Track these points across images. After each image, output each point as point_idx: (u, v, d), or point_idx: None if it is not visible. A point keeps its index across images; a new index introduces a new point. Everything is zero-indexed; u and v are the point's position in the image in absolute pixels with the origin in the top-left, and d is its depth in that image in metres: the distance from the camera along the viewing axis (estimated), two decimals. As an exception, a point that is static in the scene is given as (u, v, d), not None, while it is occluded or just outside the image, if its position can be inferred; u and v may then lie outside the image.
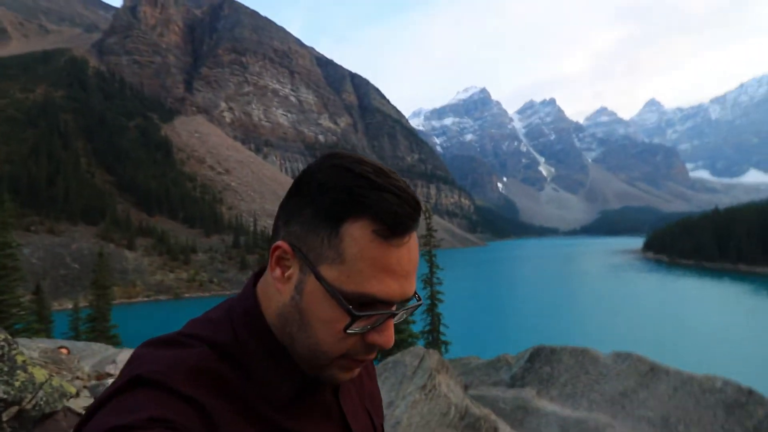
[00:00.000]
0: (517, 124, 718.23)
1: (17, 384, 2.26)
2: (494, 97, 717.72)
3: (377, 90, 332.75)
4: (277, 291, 0.53)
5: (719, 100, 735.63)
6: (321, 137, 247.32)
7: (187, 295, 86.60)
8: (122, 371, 0.49)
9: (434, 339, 20.33)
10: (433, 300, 20.79)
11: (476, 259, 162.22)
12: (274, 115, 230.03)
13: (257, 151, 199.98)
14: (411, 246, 0.52)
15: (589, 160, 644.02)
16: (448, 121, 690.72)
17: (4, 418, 2.12)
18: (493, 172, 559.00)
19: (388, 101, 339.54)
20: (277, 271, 0.52)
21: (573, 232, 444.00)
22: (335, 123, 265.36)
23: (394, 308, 0.51)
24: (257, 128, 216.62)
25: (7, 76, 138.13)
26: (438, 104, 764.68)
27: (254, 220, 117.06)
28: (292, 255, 0.51)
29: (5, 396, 2.14)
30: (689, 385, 4.67)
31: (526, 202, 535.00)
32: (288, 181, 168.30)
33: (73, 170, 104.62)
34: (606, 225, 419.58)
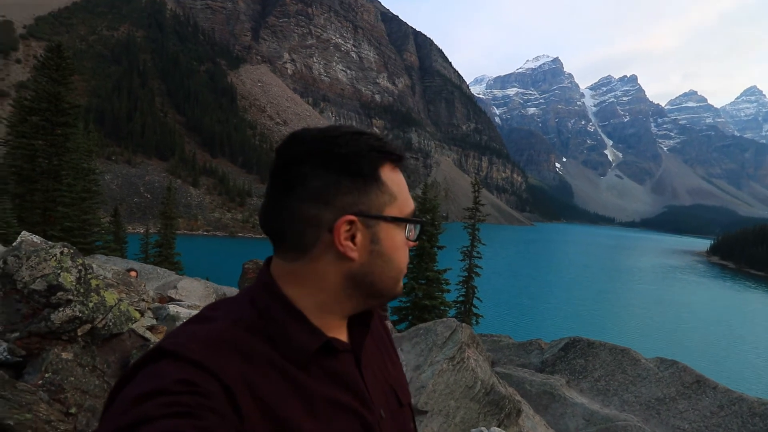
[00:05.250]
0: (588, 101, 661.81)
1: (90, 305, 2.61)
2: (567, 69, 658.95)
3: (440, 51, 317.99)
4: (344, 263, 0.60)
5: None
6: (377, 97, 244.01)
7: (240, 234, 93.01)
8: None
9: (466, 310, 20.45)
10: (470, 273, 20.71)
11: (521, 239, 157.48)
12: (333, 70, 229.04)
13: (314, 105, 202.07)
14: None
15: (665, 149, 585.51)
16: (511, 91, 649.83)
17: (79, 333, 2.49)
18: (553, 151, 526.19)
19: (450, 64, 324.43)
20: (348, 244, 0.59)
21: (631, 224, 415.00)
22: (393, 83, 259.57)
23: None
24: (316, 82, 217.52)
25: (96, 12, 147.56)
26: (504, 72, 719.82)
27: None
28: (357, 222, 0.60)
29: (80, 314, 2.50)
30: (737, 406, 4.39)
31: (583, 186, 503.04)
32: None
33: (149, 108, 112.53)
34: (671, 221, 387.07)
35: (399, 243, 0.63)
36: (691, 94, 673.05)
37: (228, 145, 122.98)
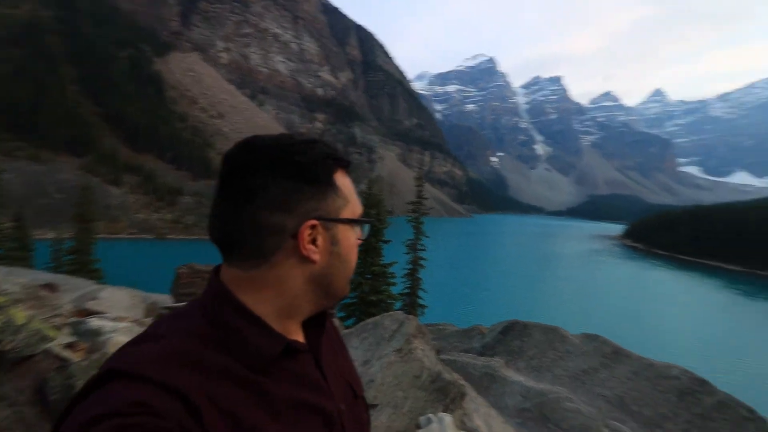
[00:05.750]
0: (521, 99, 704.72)
1: (-5, 326, 2.17)
2: (501, 68, 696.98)
3: (382, 47, 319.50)
4: (306, 266, 0.63)
5: (723, 98, 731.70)
6: (320, 90, 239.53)
7: (171, 236, 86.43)
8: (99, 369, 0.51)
9: (412, 302, 20.96)
10: (415, 265, 21.22)
11: (461, 231, 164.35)
12: (272, 61, 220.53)
13: (252, 97, 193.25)
14: None
15: (586, 144, 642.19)
16: (451, 88, 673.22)
17: (-17, 358, 2.05)
18: (489, 146, 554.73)
19: (392, 60, 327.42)
20: (312, 247, 0.63)
21: (558, 213, 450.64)
22: (336, 77, 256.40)
23: None
24: (254, 73, 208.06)
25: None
26: (444, 69, 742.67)
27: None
28: (319, 226, 0.64)
29: (-18, 338, 2.05)
30: (648, 371, 4.97)
31: (516, 179, 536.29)
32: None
33: (58, 97, 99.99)
34: (592, 209, 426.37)
35: (353, 243, 0.69)
36: (607, 95, 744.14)
37: (155, 139, 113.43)
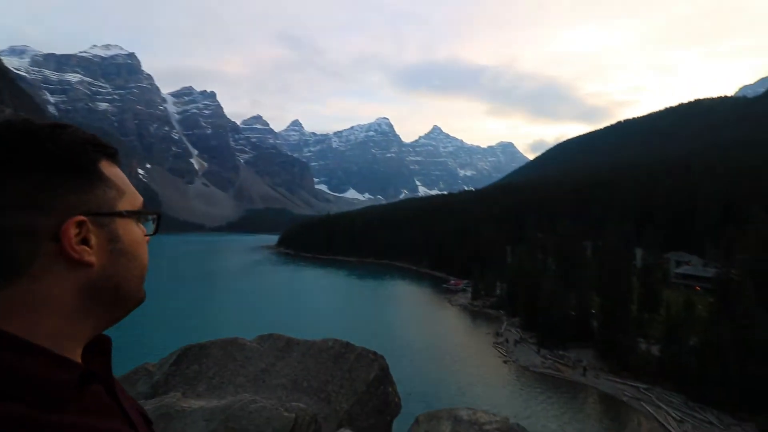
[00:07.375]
0: (171, 108, 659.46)
1: None
2: (146, 69, 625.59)
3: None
4: (80, 272, 0.54)
5: (338, 134, 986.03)
6: None
7: None
8: None
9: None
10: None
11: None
12: None
13: None
14: None
15: (242, 162, 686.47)
16: (73, 77, 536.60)
17: None
18: (134, 155, 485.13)
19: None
20: (84, 248, 0.53)
21: (219, 229, 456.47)
22: None
23: None
24: None
25: None
26: (60, 51, 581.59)
27: None
28: (88, 222, 0.54)
29: None
30: (312, 350, 5.93)
31: (170, 194, 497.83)
32: None
33: None
34: (250, 223, 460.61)
35: (139, 238, 0.61)
36: (258, 118, 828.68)
37: None
